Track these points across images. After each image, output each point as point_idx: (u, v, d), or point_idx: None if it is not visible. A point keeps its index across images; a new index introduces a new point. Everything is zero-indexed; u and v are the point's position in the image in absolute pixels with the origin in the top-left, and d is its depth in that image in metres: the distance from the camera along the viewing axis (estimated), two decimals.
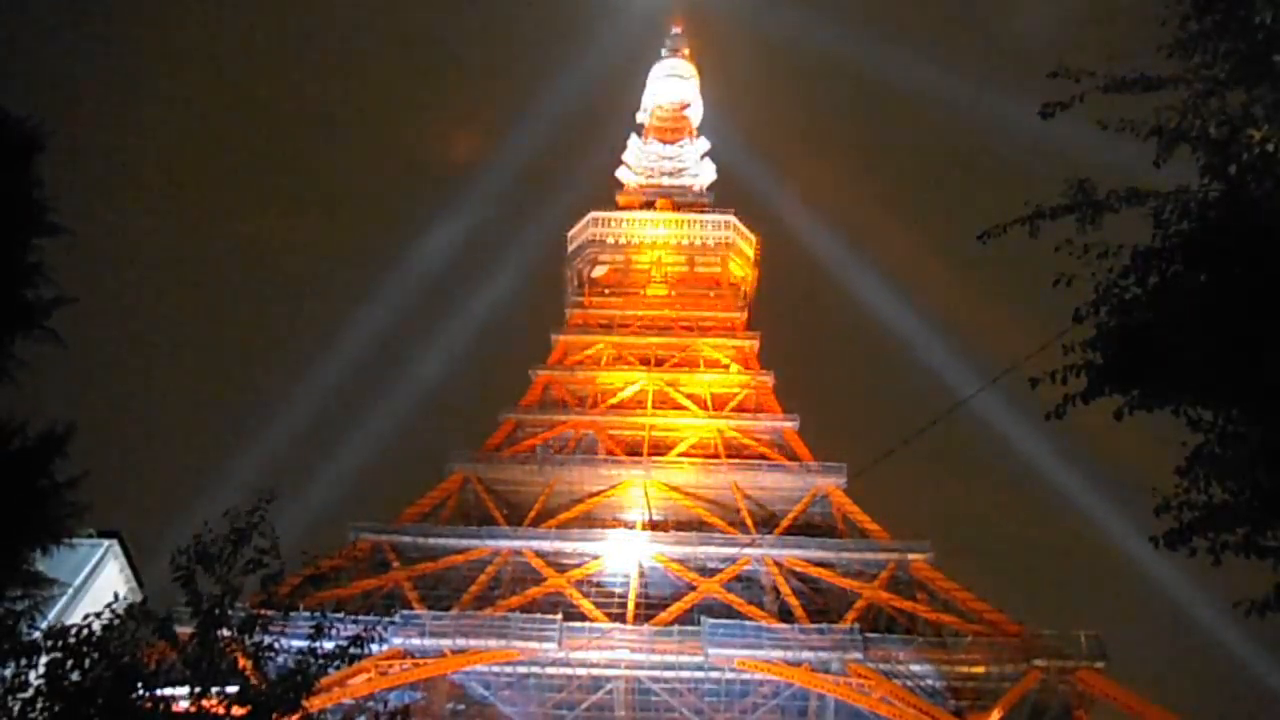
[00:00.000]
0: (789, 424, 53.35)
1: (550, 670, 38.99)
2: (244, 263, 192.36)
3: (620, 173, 79.52)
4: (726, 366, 59.69)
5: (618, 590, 42.83)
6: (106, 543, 23.09)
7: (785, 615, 40.42)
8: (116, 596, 10.26)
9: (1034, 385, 7.26)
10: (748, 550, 44.11)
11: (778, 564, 43.52)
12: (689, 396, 56.18)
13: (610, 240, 70.18)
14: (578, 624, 38.55)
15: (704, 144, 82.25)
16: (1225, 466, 6.66)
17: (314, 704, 10.62)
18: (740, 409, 55.57)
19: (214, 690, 10.14)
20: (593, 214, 71.13)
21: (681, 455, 50.90)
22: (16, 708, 9.14)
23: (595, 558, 43.80)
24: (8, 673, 9.34)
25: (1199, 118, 7.10)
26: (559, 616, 38.38)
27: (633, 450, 51.76)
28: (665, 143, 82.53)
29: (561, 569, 43.04)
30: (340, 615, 11.43)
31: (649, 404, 55.64)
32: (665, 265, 69.43)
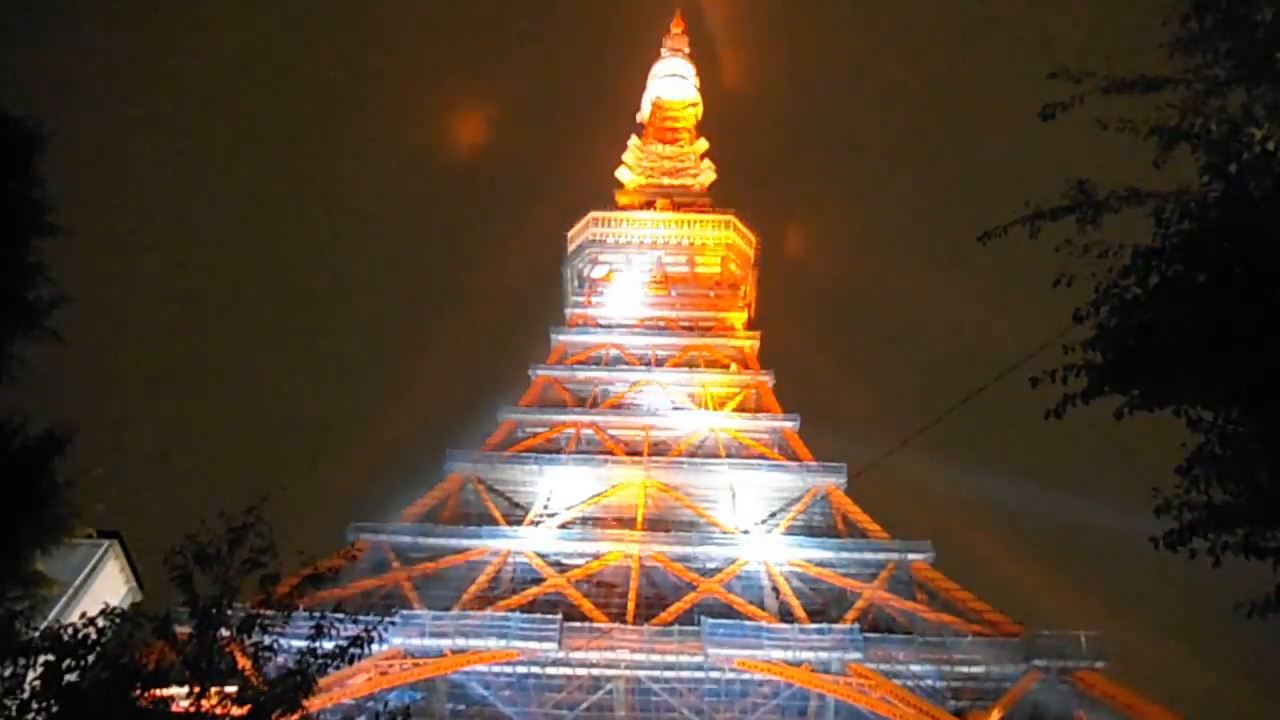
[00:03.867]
0: (789, 424, 53.37)
1: (550, 670, 38.97)
2: (245, 262, 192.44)
3: (620, 173, 79.57)
4: (727, 366, 59.72)
5: (618, 590, 42.80)
6: (106, 543, 23.00)
7: (785, 615, 40.43)
8: (106, 606, 10.20)
9: (1034, 385, 7.25)
10: (748, 550, 44.13)
11: (778, 564, 43.53)
12: (689, 396, 56.21)
13: (610, 240, 70.18)
14: (578, 624, 38.53)
15: (703, 144, 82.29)
16: (1225, 466, 6.65)
17: (314, 704, 10.61)
18: (740, 409, 55.59)
19: (213, 690, 10.13)
20: (593, 214, 71.13)
21: (681, 455, 50.90)
22: (15, 708, 9.13)
23: (595, 558, 43.79)
24: (6, 673, 9.33)
25: (1199, 116, 7.08)
26: (559, 616, 38.36)
27: (633, 450, 51.76)
28: (665, 143, 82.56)
29: (561, 569, 43.03)
30: (340, 615, 11.36)
31: (649, 404, 55.74)
32: (665, 265, 69.43)
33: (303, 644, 10.67)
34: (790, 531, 45.87)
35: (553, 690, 40.70)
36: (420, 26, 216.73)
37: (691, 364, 59.31)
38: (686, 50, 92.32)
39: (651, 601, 41.73)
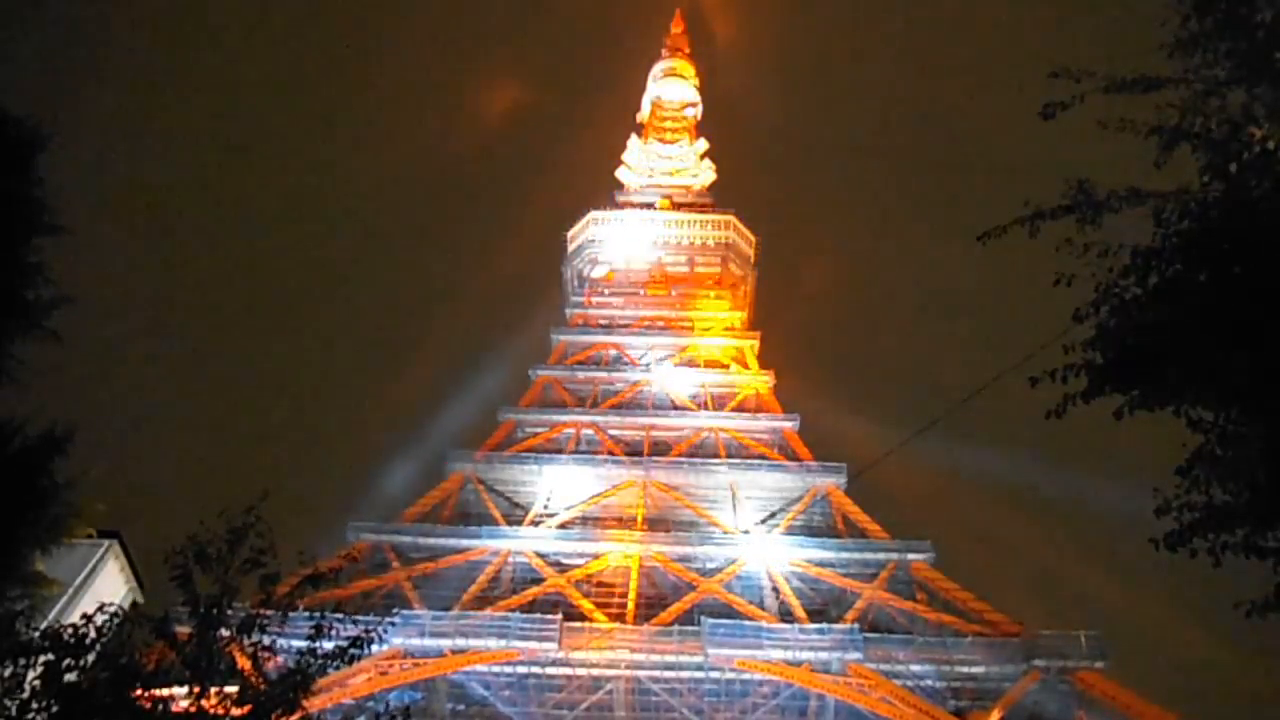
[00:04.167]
0: (789, 424, 53.37)
1: (550, 670, 38.94)
2: (244, 262, 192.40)
3: (620, 173, 79.58)
4: (727, 366, 59.72)
5: (618, 590, 42.78)
6: (106, 543, 23.04)
7: (785, 615, 40.41)
8: (101, 606, 10.20)
9: (1034, 385, 7.25)
10: (748, 550, 44.11)
11: (778, 564, 43.51)
12: (689, 396, 56.21)
13: (610, 240, 70.18)
14: (578, 624, 38.50)
15: (703, 144, 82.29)
16: (1225, 467, 6.65)
17: (314, 704, 10.61)
18: (740, 409, 55.58)
19: (213, 690, 10.13)
20: (592, 213, 71.14)
21: (681, 455, 50.89)
22: (14, 708, 9.13)
23: (595, 558, 43.78)
24: (6, 673, 9.33)
25: (1199, 116, 7.08)
26: (559, 616, 38.33)
27: (633, 450, 51.75)
28: (665, 142, 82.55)
29: (561, 569, 43.01)
30: (340, 615, 11.35)
31: (649, 404, 55.74)
32: (665, 265, 69.44)
33: (303, 644, 10.66)
34: (790, 532, 45.84)
35: (553, 690, 40.66)
36: (418, 26, 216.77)
37: (691, 364, 59.33)
38: (686, 50, 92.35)
39: (651, 601, 41.70)
